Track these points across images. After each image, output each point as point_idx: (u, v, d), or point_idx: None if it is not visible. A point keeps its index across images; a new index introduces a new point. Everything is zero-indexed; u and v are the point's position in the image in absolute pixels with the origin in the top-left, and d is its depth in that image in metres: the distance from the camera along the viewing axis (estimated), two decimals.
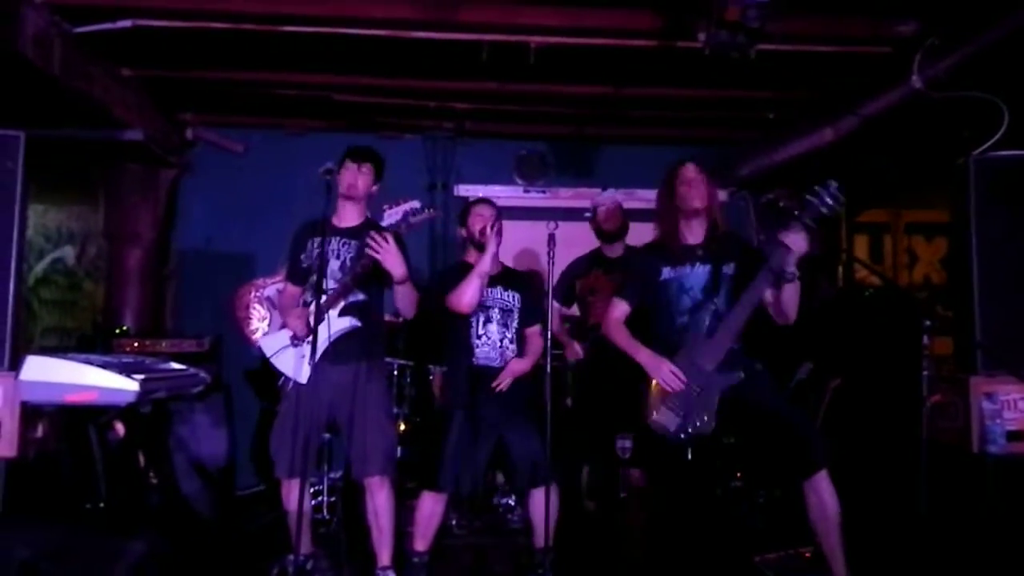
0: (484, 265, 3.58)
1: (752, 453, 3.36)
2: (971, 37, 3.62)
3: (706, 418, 3.10)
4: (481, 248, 3.66)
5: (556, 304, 4.35)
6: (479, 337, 3.70)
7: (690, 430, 3.12)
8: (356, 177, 3.55)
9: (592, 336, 4.18)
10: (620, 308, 3.41)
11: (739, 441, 3.31)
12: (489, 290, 3.71)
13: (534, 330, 3.81)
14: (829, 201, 3.00)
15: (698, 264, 3.26)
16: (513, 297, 3.76)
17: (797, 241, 3.02)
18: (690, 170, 3.29)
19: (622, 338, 3.37)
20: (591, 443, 4.16)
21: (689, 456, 3.23)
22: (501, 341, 3.71)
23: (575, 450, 4.20)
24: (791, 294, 3.10)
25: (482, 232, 3.64)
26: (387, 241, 3.28)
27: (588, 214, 4.58)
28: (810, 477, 3.05)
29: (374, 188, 3.62)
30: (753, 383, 3.16)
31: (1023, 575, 3.07)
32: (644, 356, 3.23)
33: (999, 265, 3.45)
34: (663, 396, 3.16)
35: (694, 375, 3.13)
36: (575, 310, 4.62)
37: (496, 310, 3.73)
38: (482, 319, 3.71)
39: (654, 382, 3.19)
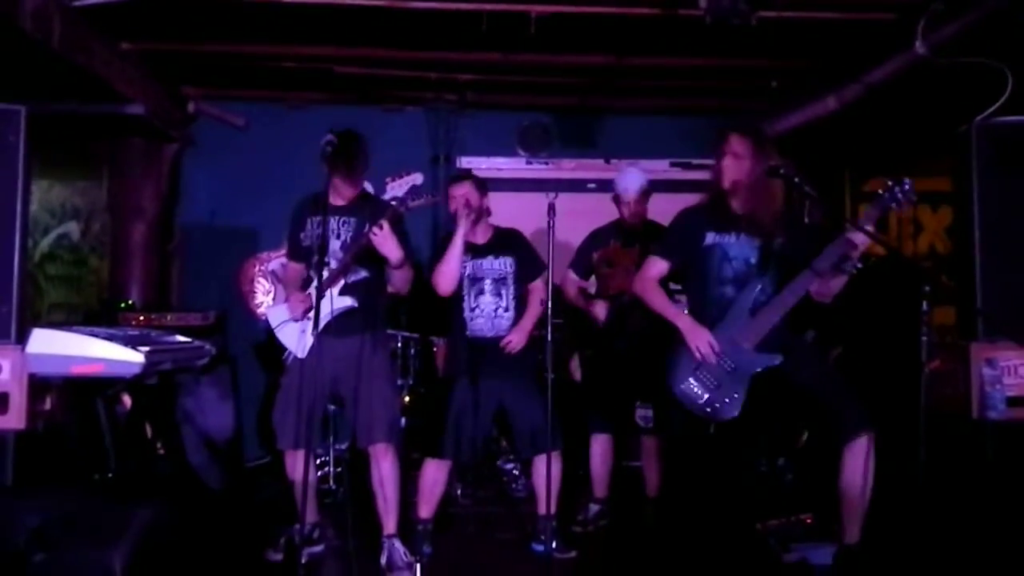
0: (455, 248, 3.59)
1: (779, 423, 3.35)
2: (976, 2, 3.58)
3: (736, 396, 3.08)
4: None
5: (573, 276, 4.32)
6: (472, 310, 3.72)
7: (717, 405, 3.10)
8: (341, 186, 3.48)
9: (611, 307, 4.13)
10: (657, 266, 3.34)
11: (781, 418, 3.30)
12: (479, 261, 3.73)
13: (536, 284, 3.79)
14: (900, 198, 2.96)
15: (742, 235, 3.19)
16: (505, 263, 3.76)
17: (860, 239, 2.98)
18: (732, 145, 3.18)
19: (659, 300, 3.30)
20: (607, 413, 4.17)
21: (712, 430, 3.19)
22: (495, 311, 3.72)
23: (588, 419, 4.22)
24: (842, 282, 3.09)
25: (456, 213, 3.66)
26: (382, 228, 3.27)
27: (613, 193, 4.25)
28: (851, 442, 3.06)
29: (364, 168, 3.56)
30: (796, 358, 3.13)
31: (1023, 539, 3.09)
32: (685, 322, 3.18)
33: (1002, 231, 3.44)
34: (695, 367, 3.14)
35: (731, 351, 3.11)
36: (592, 283, 4.39)
37: (488, 281, 3.73)
38: (474, 292, 3.72)
39: (685, 350, 3.16)
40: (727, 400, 3.08)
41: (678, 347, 3.19)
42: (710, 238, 3.21)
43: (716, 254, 3.21)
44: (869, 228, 2.99)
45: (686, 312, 3.30)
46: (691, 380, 3.13)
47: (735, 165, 3.18)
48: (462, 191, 3.72)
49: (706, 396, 3.11)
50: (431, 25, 4.27)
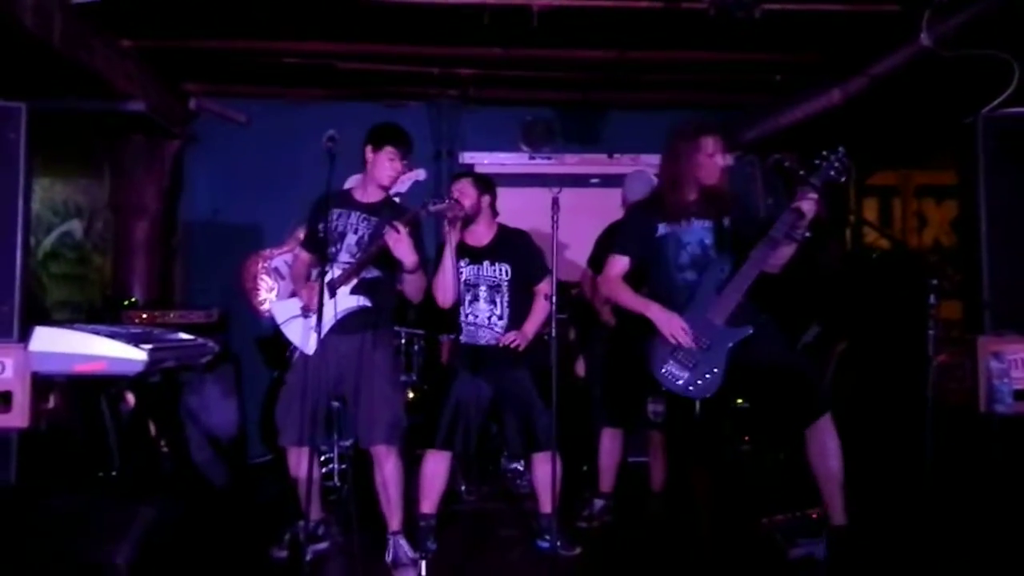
0: (445, 262, 3.59)
1: (759, 412, 3.40)
2: None
3: (716, 370, 3.13)
4: (466, 223, 3.66)
5: (591, 272, 4.33)
6: (467, 316, 3.69)
7: (699, 382, 3.15)
8: (399, 169, 3.52)
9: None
10: (620, 264, 3.40)
11: (747, 400, 3.35)
12: (475, 267, 3.69)
13: (541, 287, 3.67)
14: (837, 166, 3.07)
15: (693, 220, 3.29)
16: (501, 270, 3.70)
17: (809, 205, 3.07)
18: (716, 145, 3.26)
19: (627, 296, 3.36)
20: (618, 408, 4.17)
21: (698, 410, 3.23)
22: (489, 319, 3.68)
23: (598, 414, 4.23)
24: (791, 251, 3.16)
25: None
26: (399, 232, 3.26)
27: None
28: (812, 423, 3.16)
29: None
30: (760, 337, 3.18)
31: None
32: (655, 311, 3.22)
33: (1008, 223, 3.41)
34: (671, 350, 3.18)
35: (704, 330, 3.16)
36: None
37: (483, 287, 3.69)
38: (468, 298, 3.69)
39: (660, 337, 3.19)
40: (707, 376, 3.14)
41: (652, 335, 3.23)
42: (662, 229, 3.31)
43: (670, 243, 3.30)
44: (814, 196, 3.06)
45: None
46: (670, 363, 3.19)
47: (714, 164, 3.27)
48: (457, 187, 3.70)
49: (686, 375, 3.16)
50: (433, 20, 4.25)
